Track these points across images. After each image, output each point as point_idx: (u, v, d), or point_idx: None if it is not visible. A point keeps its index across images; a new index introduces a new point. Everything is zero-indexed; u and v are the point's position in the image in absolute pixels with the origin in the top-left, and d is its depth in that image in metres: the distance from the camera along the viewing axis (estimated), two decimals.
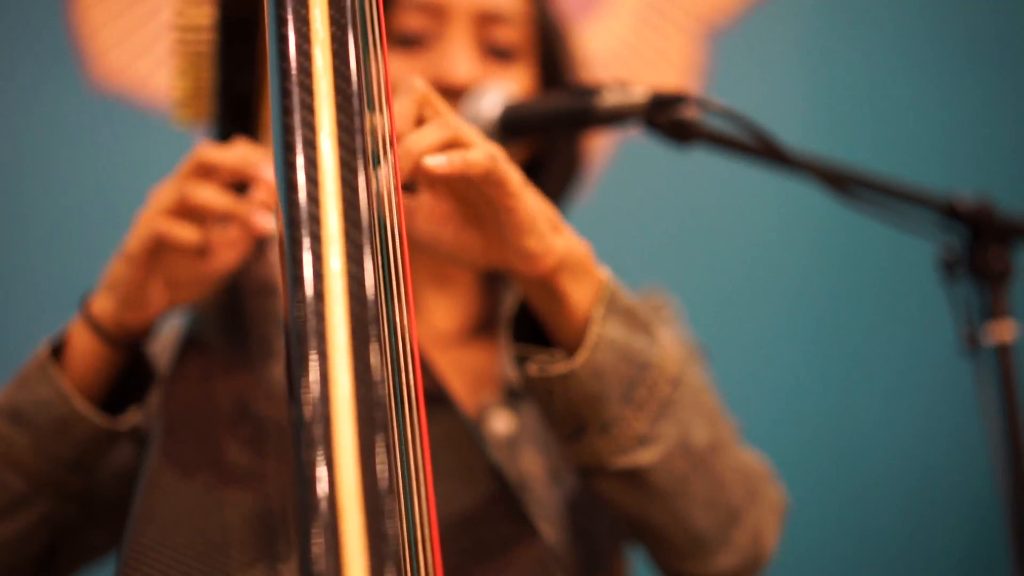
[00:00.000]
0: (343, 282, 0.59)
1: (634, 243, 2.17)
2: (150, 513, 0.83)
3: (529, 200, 0.85)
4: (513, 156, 1.17)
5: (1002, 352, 1.06)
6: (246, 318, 1.03)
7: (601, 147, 1.46)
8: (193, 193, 0.93)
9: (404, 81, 1.05)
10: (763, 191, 2.09)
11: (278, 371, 0.99)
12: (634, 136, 1.25)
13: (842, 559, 2.17)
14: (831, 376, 2.25)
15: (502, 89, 1.07)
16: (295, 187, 0.61)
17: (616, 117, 1.00)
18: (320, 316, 0.58)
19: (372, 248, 0.61)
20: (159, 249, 0.94)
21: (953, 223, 1.09)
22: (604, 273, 0.93)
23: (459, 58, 1.11)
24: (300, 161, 0.62)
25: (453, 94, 1.09)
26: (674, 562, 1.02)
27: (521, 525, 0.86)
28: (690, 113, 1.00)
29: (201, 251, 0.96)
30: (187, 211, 0.94)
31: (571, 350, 0.92)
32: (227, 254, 0.98)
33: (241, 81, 1.09)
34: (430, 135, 0.82)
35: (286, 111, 0.63)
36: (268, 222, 0.95)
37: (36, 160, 2.02)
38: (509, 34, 1.17)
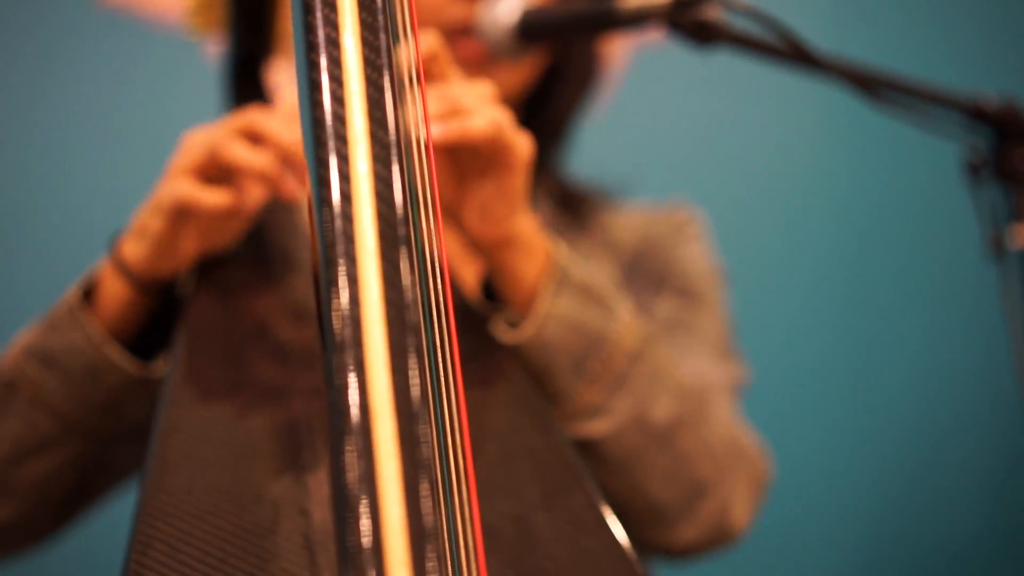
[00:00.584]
0: (370, 183, 0.58)
1: (656, 155, 2.14)
2: (175, 425, 0.82)
3: (523, 173, 0.89)
4: (531, 63, 1.15)
5: None
6: (267, 231, 1.02)
7: (618, 54, 1.43)
8: (226, 150, 0.90)
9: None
10: (783, 95, 2.06)
11: (301, 283, 0.97)
12: (653, 42, 1.22)
13: (864, 463, 2.17)
14: (853, 281, 2.23)
15: None
16: (319, 87, 0.59)
17: (638, 19, 0.98)
18: (348, 218, 0.57)
19: (399, 150, 0.60)
20: (187, 211, 0.92)
21: (978, 125, 1.07)
22: (557, 250, 0.95)
23: None
24: (323, 61, 0.60)
25: None
26: (636, 530, 1.02)
27: (548, 435, 0.86)
28: (713, 13, 0.98)
29: (232, 210, 0.93)
30: (217, 170, 0.91)
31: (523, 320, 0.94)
32: (256, 198, 0.95)
33: None
34: (429, 108, 0.84)
35: (308, 9, 0.61)
36: (293, 183, 0.92)
37: (42, 77, 1.99)
38: None
